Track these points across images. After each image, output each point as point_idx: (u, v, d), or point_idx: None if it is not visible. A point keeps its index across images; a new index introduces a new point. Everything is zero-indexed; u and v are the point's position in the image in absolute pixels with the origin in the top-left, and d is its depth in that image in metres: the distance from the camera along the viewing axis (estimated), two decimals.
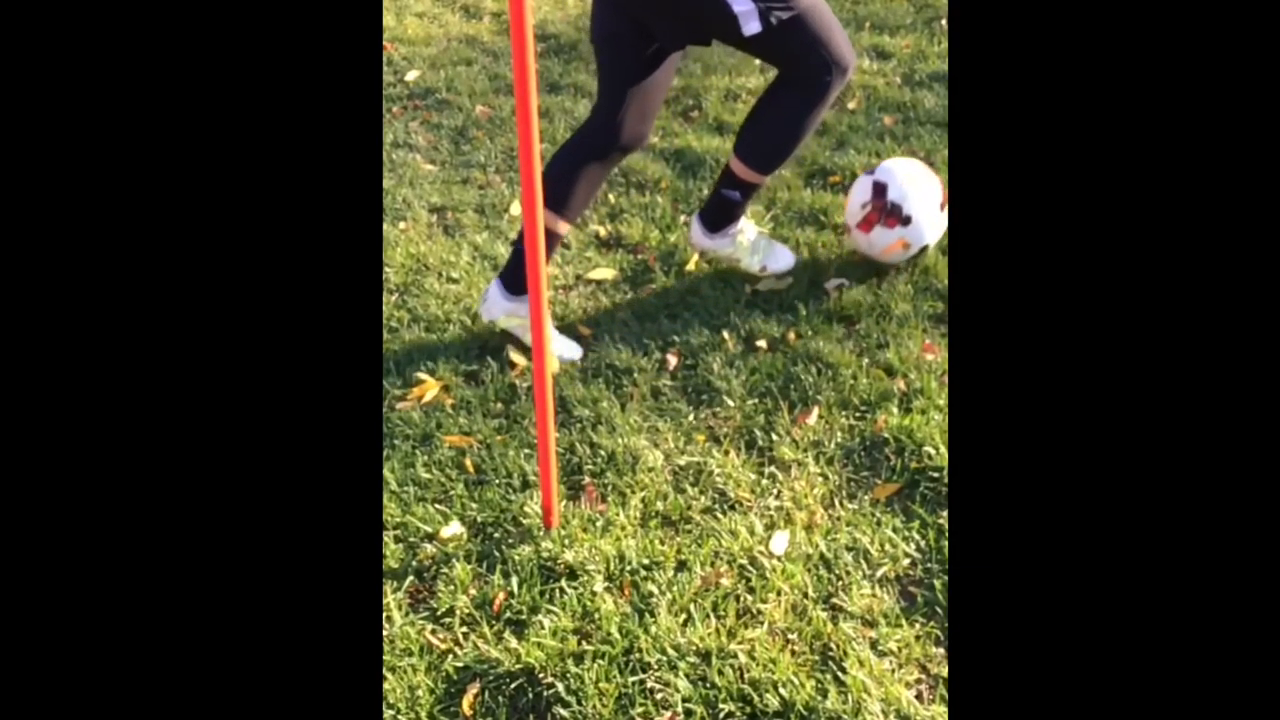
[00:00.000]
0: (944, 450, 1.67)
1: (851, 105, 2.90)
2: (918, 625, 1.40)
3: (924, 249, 2.13)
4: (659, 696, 1.33)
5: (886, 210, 2.08)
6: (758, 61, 3.24)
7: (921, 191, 2.09)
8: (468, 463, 1.73)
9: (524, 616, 1.45)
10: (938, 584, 1.45)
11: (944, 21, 3.40)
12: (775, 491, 1.64)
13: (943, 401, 1.78)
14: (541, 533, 1.58)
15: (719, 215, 2.04)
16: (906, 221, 2.08)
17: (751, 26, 1.69)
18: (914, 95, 2.93)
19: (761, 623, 1.42)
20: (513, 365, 1.96)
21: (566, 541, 1.55)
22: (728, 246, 2.09)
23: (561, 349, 1.96)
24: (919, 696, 1.31)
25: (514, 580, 1.50)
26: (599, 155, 1.87)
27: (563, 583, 1.49)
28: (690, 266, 2.23)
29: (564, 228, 1.93)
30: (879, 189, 2.09)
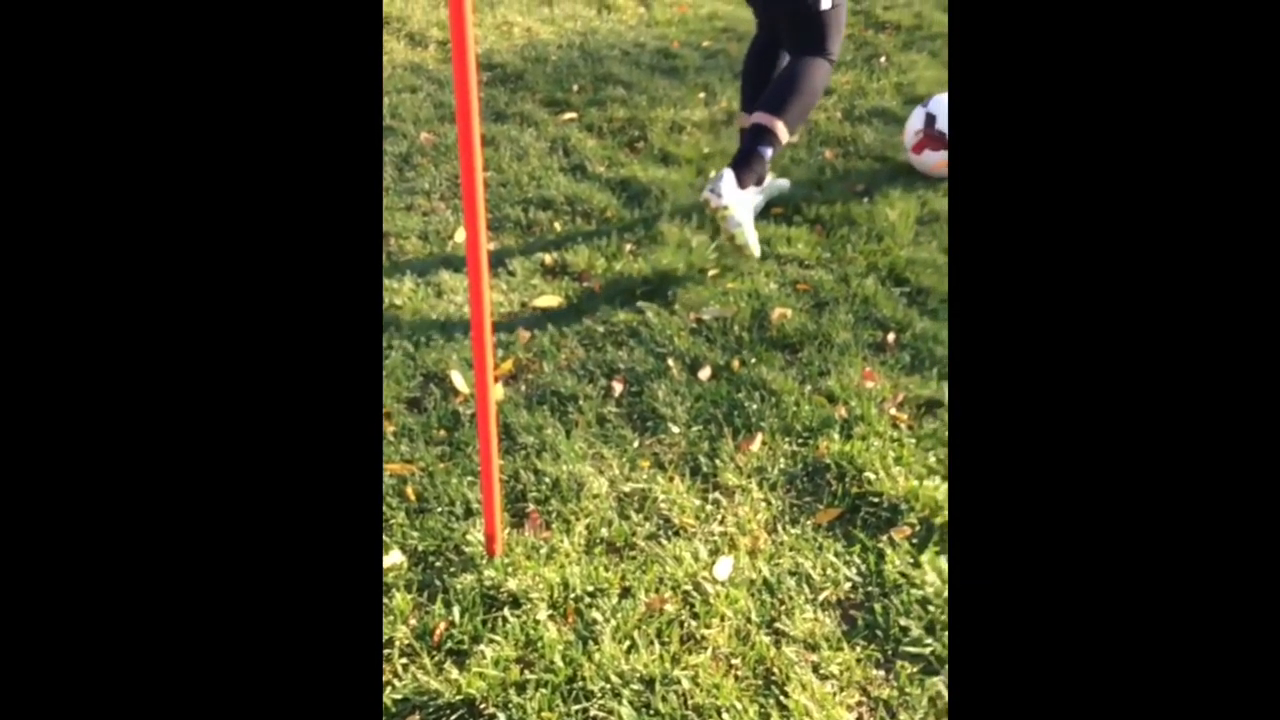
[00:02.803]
0: (884, 475, 1.70)
1: (794, 139, 2.96)
2: (859, 648, 1.41)
3: None
4: None
5: (935, 136, 2.61)
6: (701, 95, 3.30)
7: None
8: (409, 491, 1.71)
9: (465, 646, 1.43)
10: (878, 607, 1.47)
11: (883, 59, 3.51)
12: (719, 517, 1.65)
13: (882, 428, 1.82)
14: (484, 561, 1.56)
15: (750, 171, 2.28)
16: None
17: (825, 3, 2.26)
18: (854, 130, 3.01)
19: (705, 648, 1.42)
20: (456, 393, 1.95)
21: (510, 569, 1.54)
22: (747, 213, 2.26)
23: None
24: (860, 719, 1.32)
25: (455, 610, 1.48)
26: (769, 54, 2.43)
27: (505, 611, 1.48)
28: (636, 294, 2.25)
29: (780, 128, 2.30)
30: (930, 119, 2.63)
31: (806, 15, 2.24)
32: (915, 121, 2.67)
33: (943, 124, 2.60)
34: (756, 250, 2.28)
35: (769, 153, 2.27)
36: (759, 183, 2.30)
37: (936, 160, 2.63)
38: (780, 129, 2.27)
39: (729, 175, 2.22)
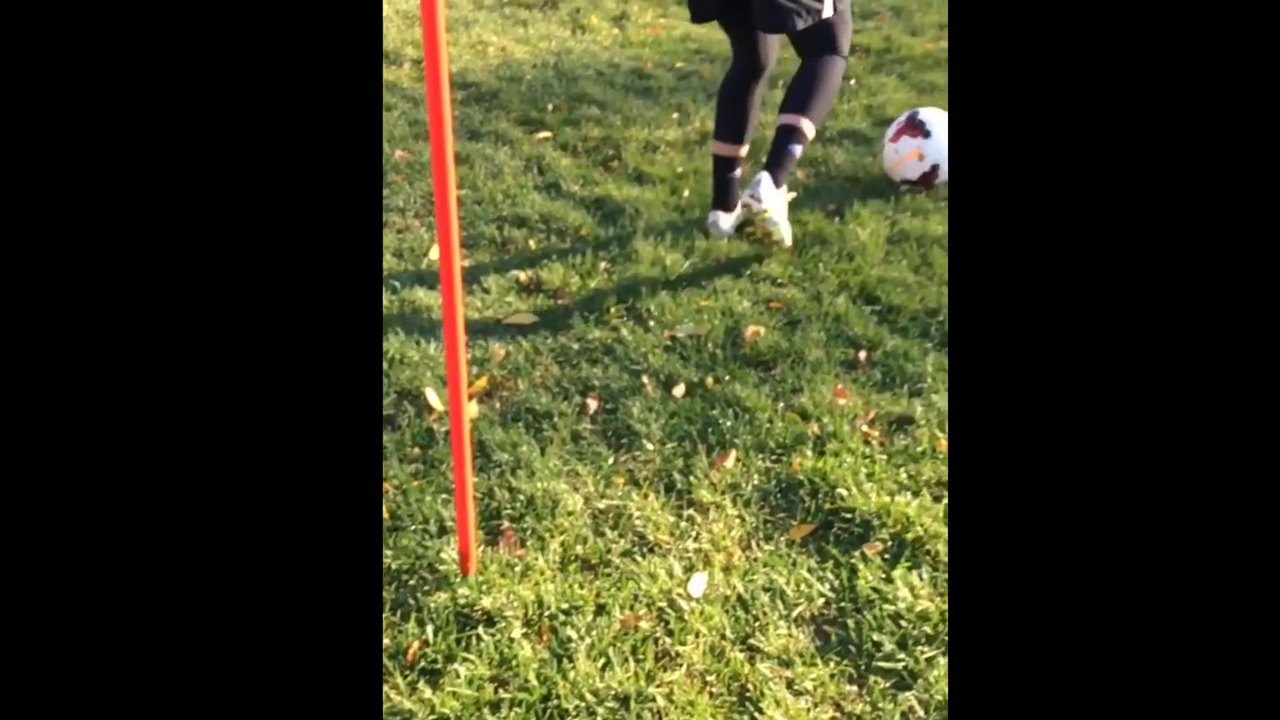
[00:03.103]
0: (856, 491, 1.71)
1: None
2: (832, 664, 1.42)
3: (935, 169, 2.67)
4: None
5: (913, 125, 2.72)
6: (675, 115, 3.33)
7: (946, 125, 2.66)
8: (383, 508, 1.69)
9: (439, 665, 1.42)
10: (851, 623, 1.48)
11: (853, 82, 3.56)
12: (694, 534, 1.65)
13: (854, 444, 1.83)
14: (458, 579, 1.55)
15: (783, 169, 2.44)
16: (927, 135, 2.68)
17: (828, 10, 2.36)
18: (825, 151, 3.05)
19: (680, 665, 1.42)
20: (430, 410, 1.94)
21: (484, 587, 1.53)
22: (782, 209, 2.45)
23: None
24: None
25: (429, 628, 1.47)
26: (745, 83, 2.49)
27: (479, 629, 1.47)
28: (610, 312, 2.26)
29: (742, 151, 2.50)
30: (911, 117, 2.76)
31: (815, 26, 2.36)
32: (898, 121, 2.80)
33: (924, 118, 2.73)
34: (789, 241, 2.48)
35: (798, 150, 2.43)
36: (788, 176, 2.50)
37: (910, 150, 2.69)
38: (807, 126, 2.42)
39: (766, 178, 2.38)
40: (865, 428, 1.89)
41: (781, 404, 1.95)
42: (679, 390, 2.00)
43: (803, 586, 1.54)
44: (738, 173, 2.53)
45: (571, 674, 1.39)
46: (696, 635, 1.46)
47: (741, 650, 1.44)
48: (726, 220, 2.55)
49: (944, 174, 2.69)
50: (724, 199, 2.54)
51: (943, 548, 1.59)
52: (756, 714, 1.34)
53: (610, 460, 1.82)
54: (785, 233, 2.46)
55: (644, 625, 1.48)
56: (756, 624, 1.48)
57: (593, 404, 1.97)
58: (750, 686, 1.38)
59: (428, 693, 1.37)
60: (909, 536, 1.62)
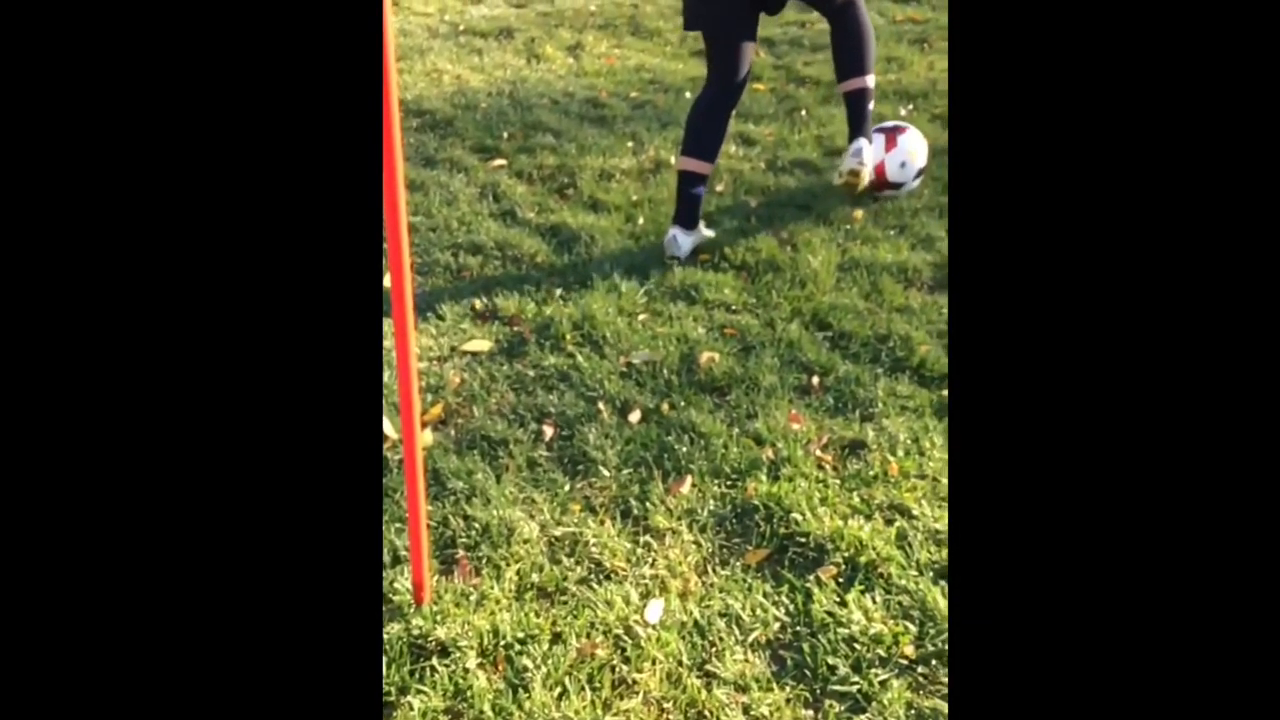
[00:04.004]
0: (810, 516, 1.73)
1: (720, 188, 3.04)
2: (788, 688, 1.43)
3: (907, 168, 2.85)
4: None
5: (887, 129, 2.89)
6: (629, 143, 3.36)
7: (917, 141, 2.87)
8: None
9: (392, 698, 1.39)
10: (806, 647, 1.49)
11: (804, 113, 3.63)
12: (650, 560, 1.66)
13: (808, 469, 1.85)
14: (412, 609, 1.53)
15: (860, 126, 2.70)
16: (901, 130, 2.87)
17: None
18: (777, 180, 3.10)
19: (637, 693, 1.41)
20: (384, 438, 1.92)
21: (438, 618, 1.52)
22: (871, 160, 2.72)
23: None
24: None
25: (382, 660, 1.44)
26: (724, 102, 2.59)
27: (434, 660, 1.45)
28: (566, 339, 2.26)
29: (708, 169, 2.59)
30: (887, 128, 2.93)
31: None
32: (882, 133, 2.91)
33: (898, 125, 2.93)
34: (867, 181, 2.75)
35: (871, 104, 2.71)
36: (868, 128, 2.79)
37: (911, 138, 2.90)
38: (870, 81, 2.68)
39: (862, 141, 2.69)
40: (818, 452, 1.91)
41: (736, 429, 1.97)
42: (635, 417, 2.01)
43: (758, 611, 1.55)
44: (702, 189, 2.57)
45: (527, 704, 1.38)
46: (653, 662, 1.46)
47: (698, 676, 1.44)
48: (685, 239, 2.58)
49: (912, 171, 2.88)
50: (687, 216, 2.58)
51: (895, 570, 1.61)
52: None
53: (566, 487, 1.81)
54: (867, 177, 2.75)
55: (600, 653, 1.47)
56: (713, 650, 1.49)
57: (549, 431, 1.96)
58: (707, 712, 1.38)
59: None
60: (862, 560, 1.64)
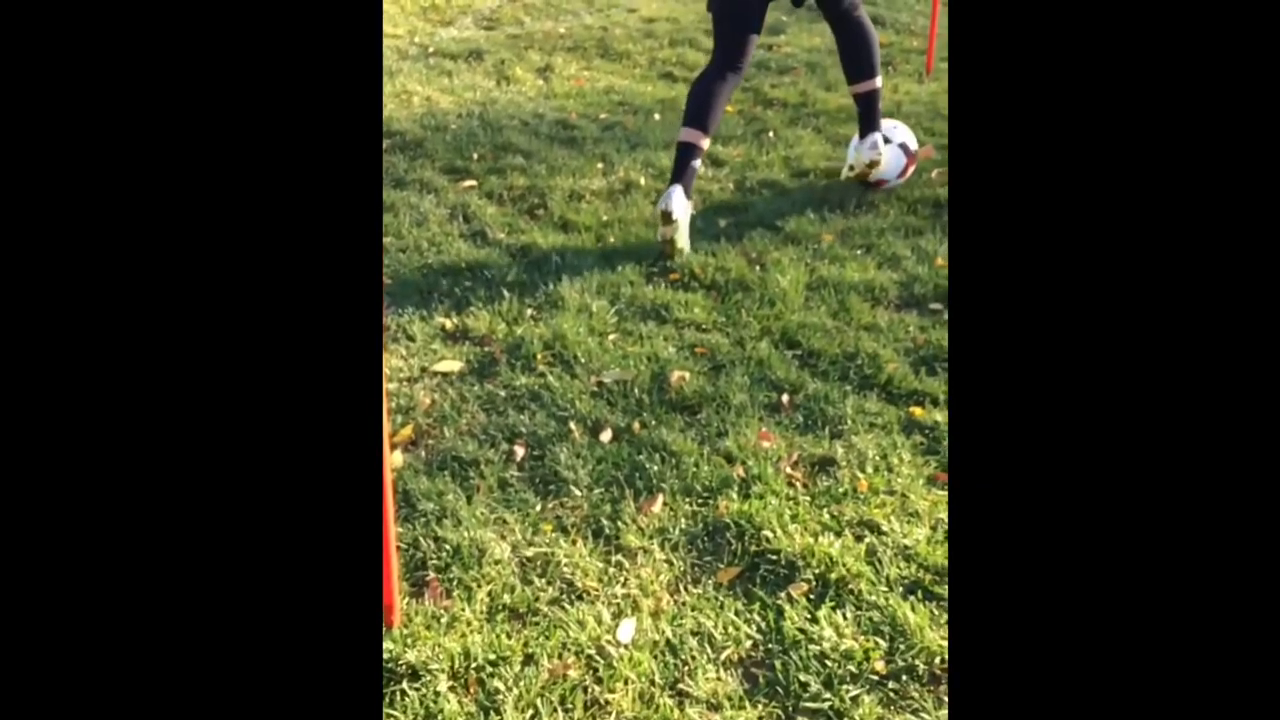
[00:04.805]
0: (781, 533, 1.74)
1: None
2: (760, 706, 1.43)
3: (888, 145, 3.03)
4: None
5: (908, 151, 3.07)
6: (599, 165, 3.38)
7: (905, 131, 3.09)
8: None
9: None
10: (778, 664, 1.50)
11: (771, 134, 3.68)
12: (622, 579, 1.66)
13: (779, 487, 1.87)
14: (382, 633, 1.52)
15: (873, 122, 2.95)
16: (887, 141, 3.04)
17: None
18: (746, 199, 3.14)
19: (609, 713, 1.41)
20: None
21: (408, 640, 1.50)
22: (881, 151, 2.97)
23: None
24: None
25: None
26: (727, 79, 2.75)
27: (404, 684, 1.44)
28: (537, 359, 2.26)
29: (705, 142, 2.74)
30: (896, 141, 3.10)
31: None
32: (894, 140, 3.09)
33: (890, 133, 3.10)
34: (884, 165, 3.01)
35: (880, 104, 2.95)
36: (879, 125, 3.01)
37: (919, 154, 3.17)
38: (879, 81, 2.91)
39: (876, 135, 2.94)
40: (789, 470, 1.92)
41: (707, 448, 1.98)
42: (606, 436, 2.01)
43: (730, 629, 1.56)
44: (698, 162, 2.74)
45: None
46: (625, 682, 1.46)
47: (671, 695, 1.44)
48: (680, 200, 2.67)
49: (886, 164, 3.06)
50: (683, 178, 2.71)
51: (865, 586, 1.63)
52: None
53: (538, 507, 1.81)
54: (886, 163, 3.00)
55: (573, 674, 1.46)
56: (685, 668, 1.49)
57: (520, 451, 1.96)
58: None
59: None
60: (833, 576, 1.65)
